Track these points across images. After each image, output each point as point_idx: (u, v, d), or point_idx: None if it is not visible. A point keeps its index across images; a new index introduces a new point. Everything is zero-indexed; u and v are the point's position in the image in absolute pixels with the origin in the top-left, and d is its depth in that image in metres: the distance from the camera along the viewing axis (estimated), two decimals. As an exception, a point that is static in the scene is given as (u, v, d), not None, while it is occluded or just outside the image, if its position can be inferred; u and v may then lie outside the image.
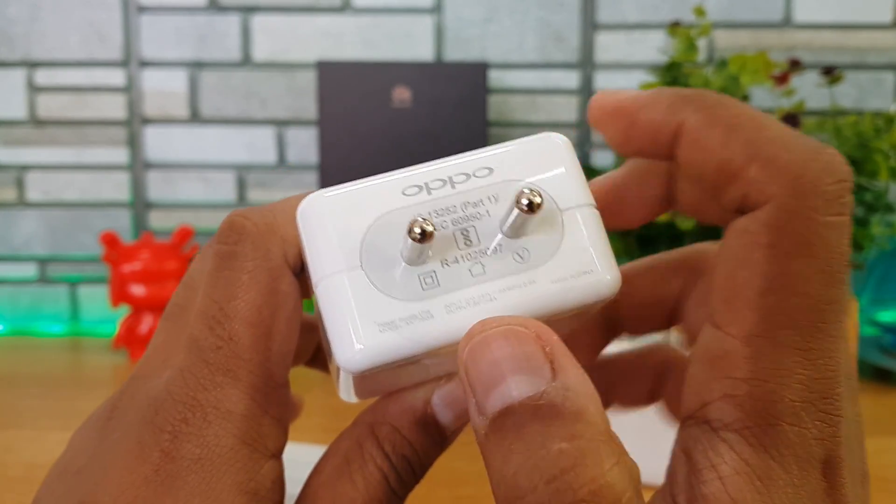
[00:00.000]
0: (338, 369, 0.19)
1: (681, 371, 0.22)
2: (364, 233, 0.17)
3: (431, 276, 0.17)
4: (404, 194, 0.17)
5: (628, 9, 0.87)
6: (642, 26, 0.87)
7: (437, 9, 0.87)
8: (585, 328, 0.23)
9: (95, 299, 0.91)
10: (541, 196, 0.16)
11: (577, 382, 0.15)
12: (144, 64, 0.88)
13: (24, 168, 0.89)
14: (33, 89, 0.88)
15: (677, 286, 0.22)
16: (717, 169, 0.16)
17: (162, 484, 0.18)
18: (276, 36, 0.88)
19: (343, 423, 0.21)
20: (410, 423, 0.20)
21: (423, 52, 0.87)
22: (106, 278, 0.90)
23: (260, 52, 0.88)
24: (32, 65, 0.88)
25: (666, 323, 0.22)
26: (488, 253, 0.17)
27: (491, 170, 0.18)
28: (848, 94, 0.86)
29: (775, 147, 0.16)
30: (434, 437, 0.20)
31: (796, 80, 0.75)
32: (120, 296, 0.77)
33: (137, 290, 0.77)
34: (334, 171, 0.71)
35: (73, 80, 0.88)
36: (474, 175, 0.18)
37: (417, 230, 0.16)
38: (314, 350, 0.26)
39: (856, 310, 0.67)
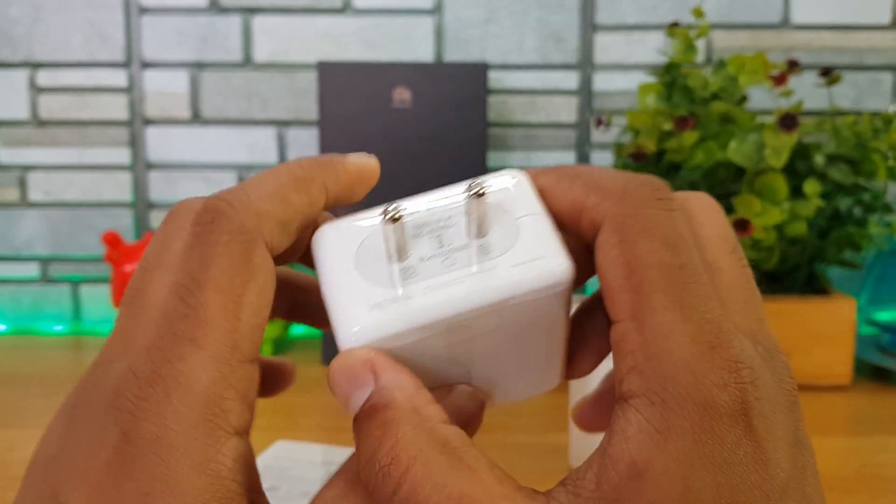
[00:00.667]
0: None
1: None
2: (357, 247, 0.21)
3: (411, 270, 0.20)
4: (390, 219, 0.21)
5: (627, 10, 0.87)
6: (641, 27, 0.87)
7: (437, 10, 0.87)
8: (593, 331, 0.24)
9: (97, 299, 0.91)
10: (484, 187, 0.20)
11: (388, 380, 0.19)
12: (146, 65, 0.88)
13: (27, 168, 0.89)
14: (35, 90, 0.89)
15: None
16: (569, 208, 0.21)
17: (121, 467, 0.18)
18: (277, 37, 0.88)
19: (344, 423, 0.21)
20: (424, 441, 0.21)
21: (423, 52, 0.87)
22: (108, 278, 0.90)
23: (261, 53, 0.88)
24: (34, 66, 0.88)
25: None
26: (457, 249, 0.21)
27: (460, 194, 0.22)
28: (846, 94, 0.87)
29: (603, 180, 0.20)
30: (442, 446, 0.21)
31: (794, 81, 0.75)
32: (122, 295, 0.77)
33: (139, 289, 0.76)
34: (335, 171, 0.72)
35: (74, 81, 0.88)
36: (446, 198, 0.22)
37: (390, 215, 0.20)
38: (290, 306, 0.26)
39: (854, 309, 0.67)
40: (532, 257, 0.20)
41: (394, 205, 0.20)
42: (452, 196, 0.22)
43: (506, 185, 0.22)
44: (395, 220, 0.20)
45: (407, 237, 0.21)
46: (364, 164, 0.23)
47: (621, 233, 0.19)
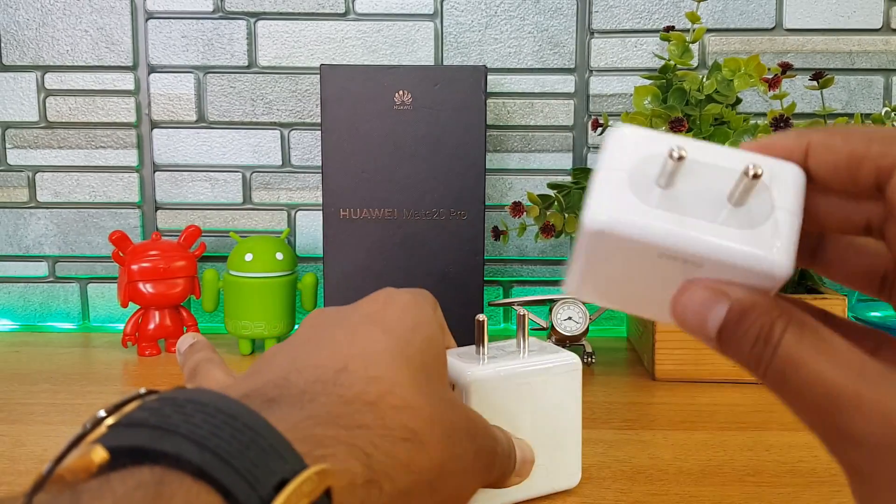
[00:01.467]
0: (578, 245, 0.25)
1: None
2: (642, 157, 0.24)
3: (668, 198, 0.23)
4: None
5: (623, 15, 0.88)
6: (636, 32, 0.88)
7: (437, 15, 0.88)
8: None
9: (105, 297, 0.92)
10: (761, 170, 0.22)
11: (741, 293, 0.22)
12: (152, 68, 0.89)
13: (36, 169, 0.90)
14: (44, 93, 0.89)
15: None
16: (847, 158, 0.23)
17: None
18: (281, 41, 0.89)
19: None
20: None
21: (423, 56, 0.88)
22: (115, 277, 0.91)
23: (265, 57, 0.89)
24: (43, 69, 0.89)
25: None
26: (712, 203, 0.23)
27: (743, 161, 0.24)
28: (838, 97, 0.87)
29: (882, 133, 0.23)
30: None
31: (787, 84, 0.76)
32: (129, 294, 0.78)
33: (146, 288, 0.77)
34: (337, 172, 0.73)
35: (82, 84, 0.89)
36: (730, 158, 0.24)
37: (675, 154, 0.23)
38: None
39: (845, 308, 0.68)
40: (765, 244, 0.22)
41: (683, 145, 0.23)
42: (736, 159, 0.24)
43: (784, 175, 0.24)
44: (679, 158, 0.23)
45: (680, 173, 0.23)
46: None
47: None
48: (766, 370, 0.22)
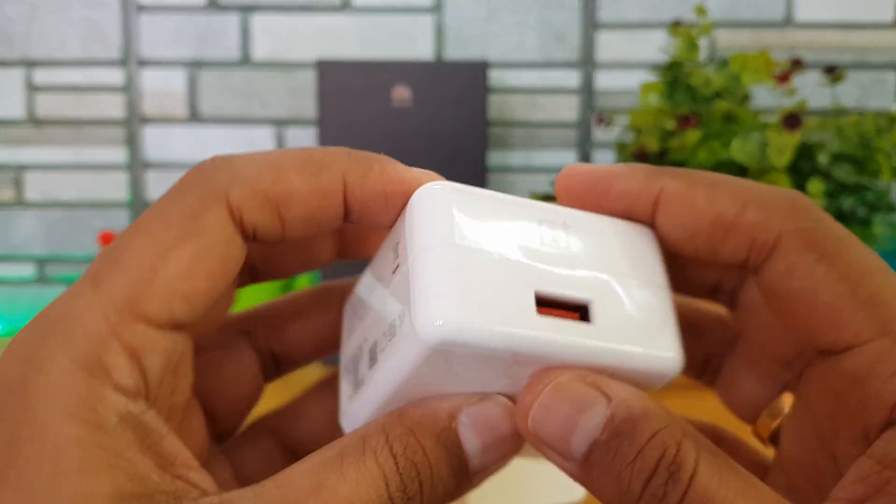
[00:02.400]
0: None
1: (738, 359, 0.21)
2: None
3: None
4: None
5: (629, 8, 0.87)
6: (643, 25, 0.87)
7: (437, 8, 0.87)
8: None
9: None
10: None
11: (626, 393, 0.16)
12: (143, 63, 0.88)
13: (23, 168, 0.89)
14: (32, 89, 0.88)
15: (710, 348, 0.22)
16: (711, 223, 0.18)
17: None
18: (276, 35, 0.88)
19: None
20: (430, 433, 0.17)
21: (423, 51, 0.87)
22: (105, 278, 0.90)
23: (259, 52, 0.88)
24: (31, 64, 0.88)
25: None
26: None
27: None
28: (850, 93, 0.86)
29: (758, 192, 0.18)
30: (454, 463, 0.17)
31: (798, 80, 0.75)
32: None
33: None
34: (334, 170, 0.71)
35: (71, 80, 0.88)
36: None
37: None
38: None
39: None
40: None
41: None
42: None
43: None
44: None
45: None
46: (417, 180, 0.18)
47: (817, 248, 0.17)
48: (686, 492, 0.15)
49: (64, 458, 0.14)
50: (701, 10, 0.73)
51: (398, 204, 0.18)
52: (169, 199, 0.17)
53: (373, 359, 0.18)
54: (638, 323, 0.18)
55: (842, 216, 0.71)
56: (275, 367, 0.23)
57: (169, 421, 0.17)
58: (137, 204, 0.89)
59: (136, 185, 0.89)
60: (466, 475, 0.17)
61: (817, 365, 0.18)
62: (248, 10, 0.87)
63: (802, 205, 0.17)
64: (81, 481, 0.14)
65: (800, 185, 0.67)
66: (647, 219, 0.19)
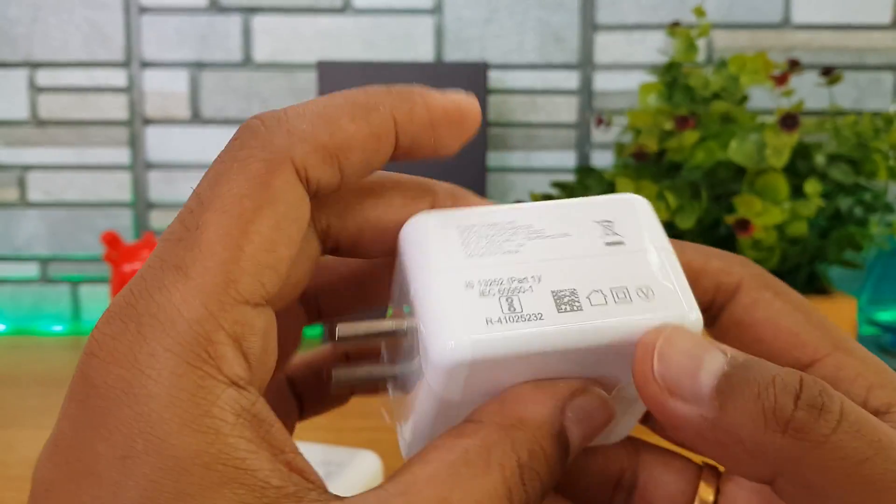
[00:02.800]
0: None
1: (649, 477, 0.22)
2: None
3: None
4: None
5: (628, 9, 0.87)
6: (642, 27, 0.87)
7: (437, 9, 0.87)
8: None
9: (97, 299, 0.91)
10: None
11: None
12: (146, 64, 0.88)
13: (26, 168, 0.89)
14: (35, 90, 0.88)
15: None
16: (685, 270, 0.20)
17: (89, 425, 0.14)
18: (277, 36, 0.88)
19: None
20: (548, 434, 0.17)
21: (423, 52, 0.87)
22: (107, 278, 0.90)
23: (261, 53, 0.88)
24: (34, 65, 0.88)
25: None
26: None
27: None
28: (847, 94, 0.86)
29: (713, 249, 0.21)
30: (564, 459, 0.17)
31: (795, 81, 0.75)
32: (121, 295, 0.77)
33: (139, 289, 0.76)
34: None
35: (74, 81, 0.88)
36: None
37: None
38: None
39: (855, 309, 0.67)
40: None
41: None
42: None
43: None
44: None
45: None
46: (455, 103, 0.18)
47: (772, 288, 0.20)
48: (843, 412, 0.15)
49: (185, 475, 0.14)
50: (699, 12, 0.73)
51: (447, 132, 0.18)
52: (229, 167, 0.16)
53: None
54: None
55: (839, 217, 0.71)
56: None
57: (269, 402, 0.16)
58: (140, 204, 0.90)
59: (139, 186, 0.89)
60: (567, 460, 0.17)
61: None
62: (249, 11, 0.88)
63: (751, 261, 0.21)
64: (206, 500, 0.14)
65: (797, 185, 0.67)
66: None
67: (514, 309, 0.17)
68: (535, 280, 0.18)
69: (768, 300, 0.20)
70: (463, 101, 0.18)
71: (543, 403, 0.17)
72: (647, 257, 0.18)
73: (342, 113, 0.17)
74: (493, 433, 0.16)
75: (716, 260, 0.20)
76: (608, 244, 0.19)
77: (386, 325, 0.19)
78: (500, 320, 0.17)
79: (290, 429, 0.21)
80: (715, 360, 0.16)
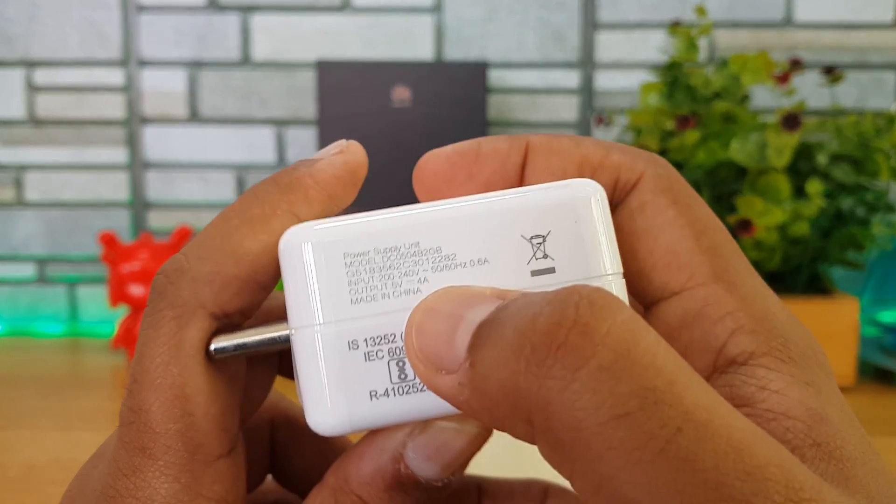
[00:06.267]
0: None
1: (559, 499, 0.20)
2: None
3: None
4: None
5: (629, 8, 0.86)
6: (643, 26, 0.87)
7: (436, 8, 0.87)
8: None
9: (94, 299, 0.90)
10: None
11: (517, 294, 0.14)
12: (143, 63, 0.88)
13: (23, 168, 0.89)
14: (32, 89, 0.88)
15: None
16: (578, 165, 0.17)
17: None
18: (276, 35, 0.87)
19: None
20: (381, 491, 0.16)
21: (422, 51, 0.87)
22: (105, 278, 0.90)
23: (259, 52, 0.88)
24: (31, 64, 0.88)
25: None
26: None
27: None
28: (849, 93, 0.86)
29: (617, 144, 0.18)
30: (419, 495, 0.16)
31: (797, 80, 0.75)
32: (119, 296, 0.77)
33: (136, 290, 0.76)
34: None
35: (71, 80, 0.88)
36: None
37: None
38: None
39: (857, 309, 0.67)
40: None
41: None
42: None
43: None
44: None
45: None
46: (340, 167, 0.18)
47: (672, 193, 0.17)
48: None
49: None
50: (700, 11, 0.73)
51: (344, 193, 0.18)
52: (148, 336, 0.16)
53: None
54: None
55: (841, 216, 0.71)
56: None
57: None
58: (138, 204, 0.89)
59: (137, 186, 0.89)
60: (439, 489, 0.16)
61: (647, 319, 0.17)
62: (248, 10, 0.87)
63: (662, 159, 0.18)
64: None
65: (799, 185, 0.67)
66: (517, 172, 0.18)
67: (405, 376, 0.15)
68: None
69: (660, 207, 0.17)
70: (349, 158, 0.18)
71: (373, 458, 0.16)
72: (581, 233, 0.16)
73: (241, 235, 0.16)
74: (327, 497, 0.16)
75: (617, 154, 0.17)
76: (535, 273, 0.15)
77: (268, 334, 0.16)
78: (386, 392, 0.15)
79: (262, 475, 0.21)
80: (477, 313, 0.14)
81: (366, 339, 0.15)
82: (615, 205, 0.17)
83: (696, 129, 0.68)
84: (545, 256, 0.15)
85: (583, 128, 0.88)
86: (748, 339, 0.15)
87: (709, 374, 0.16)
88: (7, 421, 0.60)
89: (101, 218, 0.90)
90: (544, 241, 0.15)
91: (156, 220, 0.90)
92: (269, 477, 0.21)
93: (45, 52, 0.88)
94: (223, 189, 0.89)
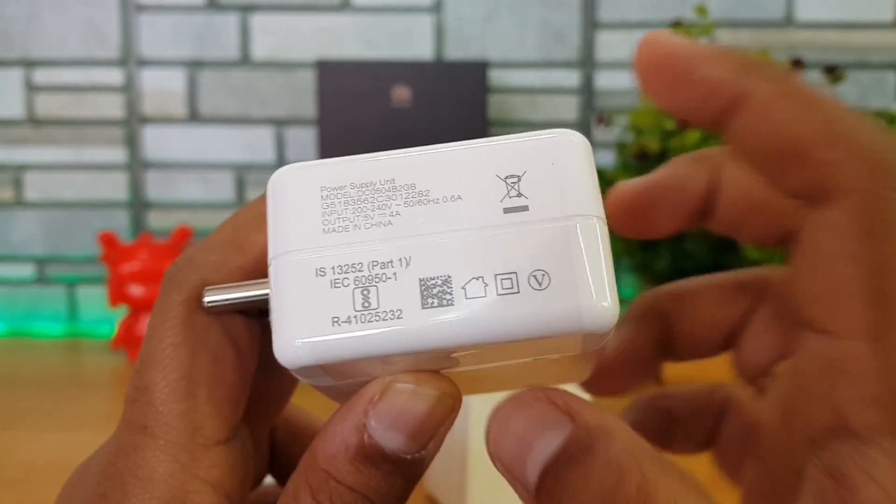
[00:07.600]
0: None
1: (739, 413, 0.20)
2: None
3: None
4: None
5: (629, 7, 0.87)
6: (643, 25, 0.87)
7: (437, 7, 0.87)
8: (634, 350, 0.20)
9: (93, 299, 0.90)
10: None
11: (595, 417, 0.14)
12: (143, 63, 0.88)
13: (22, 168, 0.89)
14: (31, 88, 0.88)
15: (740, 309, 0.20)
16: (786, 145, 0.14)
17: None
18: (276, 35, 0.88)
19: None
20: (346, 463, 0.15)
21: (422, 51, 0.87)
22: (104, 278, 0.90)
23: (259, 52, 0.88)
24: (30, 64, 0.88)
25: (719, 348, 0.21)
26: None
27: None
28: (850, 93, 0.86)
29: (856, 129, 0.14)
30: (388, 469, 0.15)
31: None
32: (118, 296, 0.77)
33: (136, 290, 0.76)
34: (334, 170, 0.72)
35: (71, 80, 0.88)
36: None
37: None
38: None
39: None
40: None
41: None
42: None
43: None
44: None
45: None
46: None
47: (869, 220, 0.14)
48: None
49: None
50: (701, 10, 0.73)
51: None
52: (157, 320, 0.17)
53: None
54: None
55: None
56: None
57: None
58: (137, 204, 0.89)
59: (136, 185, 0.89)
60: (409, 464, 0.16)
61: (801, 343, 0.15)
62: (247, 9, 0.87)
63: (890, 164, 0.14)
64: None
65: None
66: (721, 115, 0.15)
67: (369, 304, 0.14)
68: (403, 264, 0.15)
69: (850, 234, 0.14)
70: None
71: (337, 431, 0.15)
72: (555, 228, 0.14)
73: (248, 229, 0.17)
74: (298, 477, 0.16)
75: (835, 150, 0.14)
76: (507, 210, 0.15)
77: (261, 288, 0.16)
78: (348, 319, 0.14)
79: (262, 475, 0.21)
80: (546, 443, 0.14)
81: (333, 267, 0.15)
82: (803, 196, 0.14)
83: (696, 129, 0.68)
84: (519, 195, 0.15)
85: (583, 127, 0.88)
86: (878, 415, 0.14)
87: (819, 433, 0.14)
88: (6, 421, 0.59)
89: (100, 218, 0.90)
90: (519, 180, 0.15)
91: (155, 219, 0.90)
92: (269, 477, 0.21)
93: (45, 51, 0.88)
94: (223, 189, 0.89)
